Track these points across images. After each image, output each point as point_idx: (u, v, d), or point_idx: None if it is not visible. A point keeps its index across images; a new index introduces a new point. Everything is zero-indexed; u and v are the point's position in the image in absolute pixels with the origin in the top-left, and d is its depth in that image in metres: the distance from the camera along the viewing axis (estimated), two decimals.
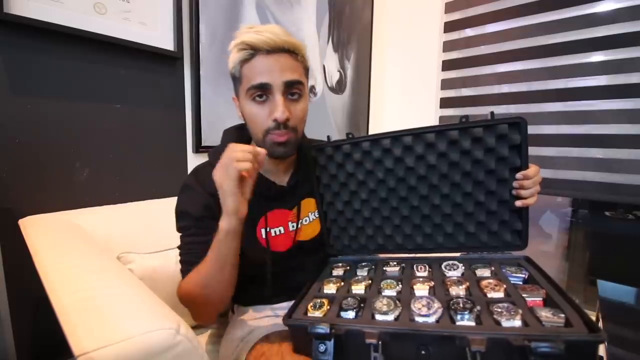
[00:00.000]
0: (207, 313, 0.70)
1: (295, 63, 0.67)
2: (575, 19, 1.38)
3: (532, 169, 0.67)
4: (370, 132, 2.03)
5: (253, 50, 0.64)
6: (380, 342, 0.50)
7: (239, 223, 0.60)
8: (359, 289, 0.65)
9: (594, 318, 1.00)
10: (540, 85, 1.49)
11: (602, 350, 0.77)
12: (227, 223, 0.59)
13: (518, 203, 0.68)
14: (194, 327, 0.94)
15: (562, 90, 1.43)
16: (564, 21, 1.40)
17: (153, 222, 0.96)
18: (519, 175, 0.67)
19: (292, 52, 0.66)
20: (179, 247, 0.72)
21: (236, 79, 0.69)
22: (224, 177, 0.57)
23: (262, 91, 0.65)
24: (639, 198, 1.28)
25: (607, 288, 1.04)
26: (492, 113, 0.67)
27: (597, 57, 1.35)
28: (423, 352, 0.50)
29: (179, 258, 0.71)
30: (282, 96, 0.65)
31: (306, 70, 0.72)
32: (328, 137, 0.80)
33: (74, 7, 0.87)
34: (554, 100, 1.45)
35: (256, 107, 0.67)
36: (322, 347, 0.53)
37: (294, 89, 0.67)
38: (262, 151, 0.60)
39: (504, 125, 0.66)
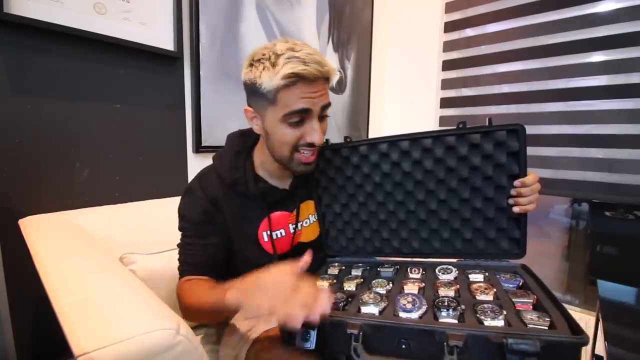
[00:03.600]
0: (196, 322, 0.77)
1: (327, 86, 0.68)
2: (576, 19, 1.37)
3: (530, 176, 0.67)
4: (370, 132, 2.03)
5: (297, 79, 0.62)
6: (361, 333, 0.51)
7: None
8: (350, 286, 0.66)
9: (593, 318, 1.00)
10: (541, 85, 1.49)
11: (602, 350, 0.77)
12: (237, 304, 0.54)
13: (516, 209, 0.67)
14: (194, 327, 0.94)
15: (562, 90, 1.43)
16: (564, 21, 1.40)
17: (153, 222, 0.96)
18: (516, 182, 0.67)
19: (328, 78, 0.67)
20: (178, 245, 0.74)
21: (266, 98, 0.65)
22: (287, 315, 0.47)
23: (302, 116, 0.65)
24: (639, 198, 1.28)
25: (607, 288, 1.04)
26: (489, 119, 0.67)
27: (597, 57, 1.35)
28: (403, 346, 0.50)
29: (177, 258, 0.74)
30: (318, 121, 0.67)
31: None
32: (327, 140, 0.80)
33: (74, 7, 0.86)
34: (554, 100, 1.45)
35: (290, 130, 0.66)
36: (305, 335, 0.54)
37: (325, 112, 0.68)
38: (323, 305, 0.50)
39: (502, 132, 0.66)
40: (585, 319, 1.32)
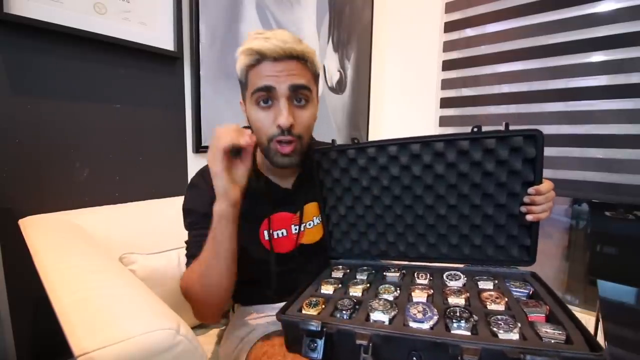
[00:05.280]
0: (207, 307, 0.68)
1: (303, 69, 0.65)
2: (576, 19, 1.37)
3: (546, 184, 0.65)
4: (370, 132, 2.03)
5: (259, 56, 0.63)
6: (371, 344, 0.49)
7: (230, 207, 0.60)
8: (356, 291, 0.65)
9: (593, 318, 1.00)
10: (541, 85, 1.49)
11: None
12: (218, 206, 0.60)
13: (529, 217, 0.65)
14: (194, 327, 0.94)
15: (562, 90, 1.43)
16: (564, 21, 1.40)
17: (153, 222, 0.96)
18: (531, 190, 0.64)
19: (301, 58, 0.64)
20: (186, 242, 0.73)
21: (242, 84, 0.69)
22: (211, 159, 0.59)
23: (267, 95, 0.64)
24: (639, 198, 1.28)
25: (607, 288, 1.04)
26: (506, 124, 0.64)
27: (597, 57, 1.35)
28: (414, 358, 0.49)
29: (184, 254, 0.72)
30: (287, 101, 0.64)
31: (315, 76, 0.70)
32: (333, 140, 0.80)
33: (74, 7, 0.86)
34: (554, 100, 1.45)
35: (261, 113, 0.65)
36: (312, 344, 0.53)
37: (299, 94, 0.65)
38: (246, 131, 0.61)
39: (518, 137, 0.63)
40: (585, 319, 1.32)
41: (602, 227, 1.43)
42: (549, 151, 1.45)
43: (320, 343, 0.52)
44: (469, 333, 0.49)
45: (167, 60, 1.09)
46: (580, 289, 1.55)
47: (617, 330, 0.84)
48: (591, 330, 1.00)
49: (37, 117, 0.85)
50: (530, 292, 0.61)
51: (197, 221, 0.71)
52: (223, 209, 0.60)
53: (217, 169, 0.59)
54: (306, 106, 0.67)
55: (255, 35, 0.64)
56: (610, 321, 0.87)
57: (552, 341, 0.46)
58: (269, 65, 0.63)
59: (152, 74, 1.06)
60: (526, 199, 0.65)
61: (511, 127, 0.64)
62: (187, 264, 0.70)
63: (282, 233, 0.77)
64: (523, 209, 0.66)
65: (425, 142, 0.70)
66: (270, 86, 0.63)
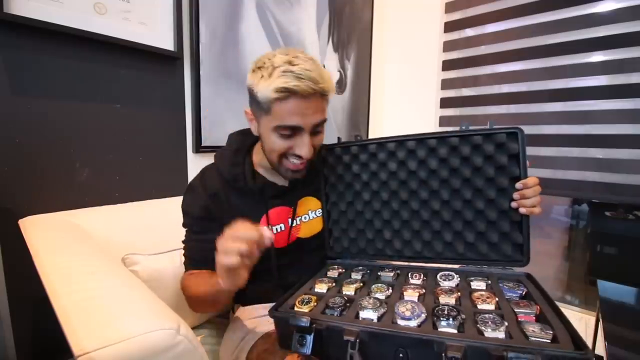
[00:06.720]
0: (204, 311, 0.80)
1: (325, 102, 0.69)
2: (576, 19, 1.38)
3: (531, 178, 0.68)
4: (370, 132, 2.03)
5: (289, 93, 0.63)
6: (358, 340, 0.50)
7: (231, 289, 0.57)
8: (349, 290, 0.66)
9: (593, 318, 1.00)
10: (540, 85, 1.49)
11: (602, 350, 0.77)
12: (224, 285, 0.56)
13: (522, 210, 0.67)
14: (194, 328, 0.94)
15: (562, 90, 1.43)
16: (564, 21, 1.40)
17: (153, 223, 0.96)
18: (518, 184, 0.67)
19: (325, 95, 0.68)
20: (183, 242, 0.77)
21: (261, 107, 0.67)
22: (219, 261, 0.53)
23: (293, 131, 0.67)
24: (639, 198, 1.28)
25: (607, 288, 1.04)
26: (490, 123, 0.69)
27: (597, 57, 1.35)
28: (401, 354, 0.50)
29: (182, 253, 0.77)
30: (309, 136, 0.68)
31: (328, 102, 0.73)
32: (339, 138, 0.83)
33: (74, 7, 0.86)
34: (554, 100, 1.45)
35: (281, 141, 0.68)
36: (301, 340, 0.54)
37: (319, 127, 0.70)
38: (266, 235, 0.54)
39: (502, 134, 0.68)
40: (585, 319, 1.32)
41: (602, 227, 1.43)
42: (549, 151, 1.46)
43: (309, 339, 0.53)
44: (455, 331, 0.50)
45: (167, 60, 1.09)
46: (580, 289, 1.55)
47: (617, 330, 0.84)
48: (591, 330, 1.01)
49: (37, 117, 0.85)
50: (523, 293, 0.62)
51: (192, 223, 0.75)
52: (228, 290, 0.57)
53: (225, 274, 0.54)
54: (320, 135, 0.72)
55: (283, 62, 0.63)
56: (610, 321, 0.87)
57: (538, 340, 0.46)
58: (297, 102, 0.64)
59: (152, 74, 1.06)
60: (515, 195, 0.68)
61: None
62: (185, 264, 0.74)
63: (281, 227, 0.78)
64: (514, 204, 0.68)
65: (420, 139, 0.75)
66: (299, 126, 0.66)
